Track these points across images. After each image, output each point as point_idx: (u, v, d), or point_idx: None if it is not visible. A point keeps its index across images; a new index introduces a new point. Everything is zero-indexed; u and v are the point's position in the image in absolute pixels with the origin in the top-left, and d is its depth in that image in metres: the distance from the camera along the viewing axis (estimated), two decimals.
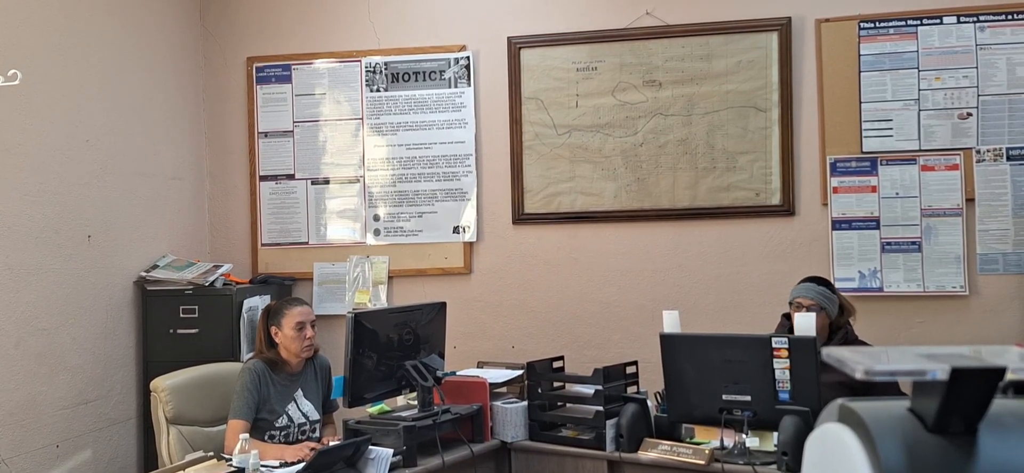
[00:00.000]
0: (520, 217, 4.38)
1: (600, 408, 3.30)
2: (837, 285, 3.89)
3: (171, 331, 4.10)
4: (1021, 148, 3.82)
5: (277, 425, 3.31)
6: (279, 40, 4.62)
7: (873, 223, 3.96)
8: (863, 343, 3.48)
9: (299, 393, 3.40)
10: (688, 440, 3.22)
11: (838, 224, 4.00)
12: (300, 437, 3.34)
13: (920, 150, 3.93)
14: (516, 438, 3.47)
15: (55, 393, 3.65)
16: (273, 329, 3.37)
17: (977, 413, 0.87)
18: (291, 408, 3.36)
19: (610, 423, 3.27)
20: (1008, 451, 0.85)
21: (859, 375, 0.88)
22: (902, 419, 0.90)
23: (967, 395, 0.86)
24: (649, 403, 3.36)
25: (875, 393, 2.93)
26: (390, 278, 4.50)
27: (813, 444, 1.05)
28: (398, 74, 4.49)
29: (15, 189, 3.48)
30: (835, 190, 4.00)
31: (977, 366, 0.85)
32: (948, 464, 0.86)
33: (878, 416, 0.89)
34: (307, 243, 4.60)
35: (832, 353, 0.97)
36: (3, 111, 3.43)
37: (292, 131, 4.61)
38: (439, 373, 3.51)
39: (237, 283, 4.28)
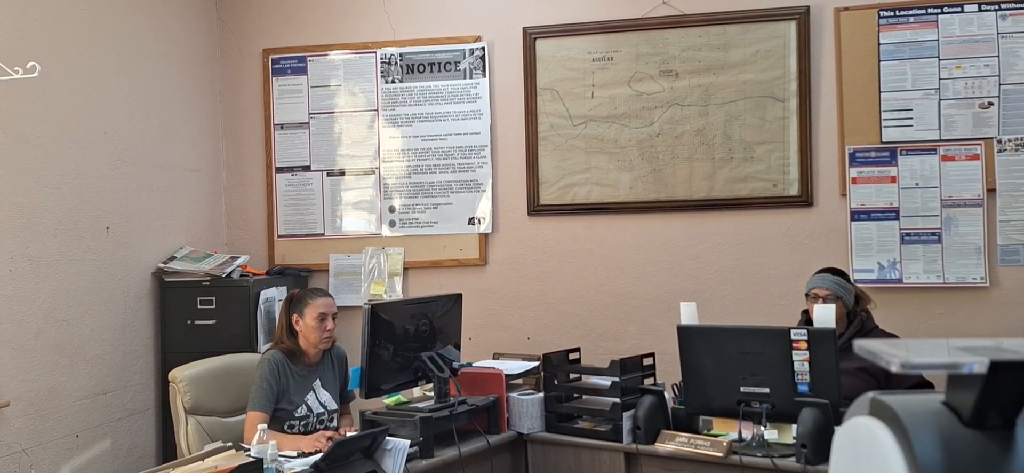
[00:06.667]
0: (535, 208, 4.37)
1: (617, 400, 3.29)
2: (856, 276, 3.87)
3: (189, 322, 4.11)
4: None
5: (297, 415, 3.32)
6: (294, 32, 4.62)
7: (892, 214, 3.93)
8: (882, 331, 3.45)
9: (317, 383, 3.41)
10: (706, 432, 3.20)
11: (857, 215, 3.97)
12: (318, 427, 3.35)
13: (940, 140, 3.89)
14: (532, 430, 3.47)
15: (74, 383, 3.67)
16: (295, 317, 3.38)
17: (1015, 407, 0.86)
18: (310, 398, 3.37)
19: (627, 415, 3.26)
20: None
21: (895, 369, 0.87)
22: (937, 413, 0.88)
23: (1005, 388, 0.84)
24: (666, 395, 3.35)
25: (895, 384, 2.92)
26: (405, 269, 4.51)
27: (842, 438, 1.03)
28: (413, 65, 4.48)
29: (34, 181, 3.50)
30: (854, 180, 3.97)
31: (1016, 359, 0.83)
32: (985, 459, 0.84)
33: (912, 410, 0.88)
34: (323, 235, 4.61)
35: (863, 345, 0.95)
36: (22, 103, 3.44)
37: (308, 123, 4.61)
38: (455, 364, 3.51)
39: (254, 274, 4.29)
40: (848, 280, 3.48)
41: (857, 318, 3.41)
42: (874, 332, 3.42)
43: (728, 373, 3.08)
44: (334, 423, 3.42)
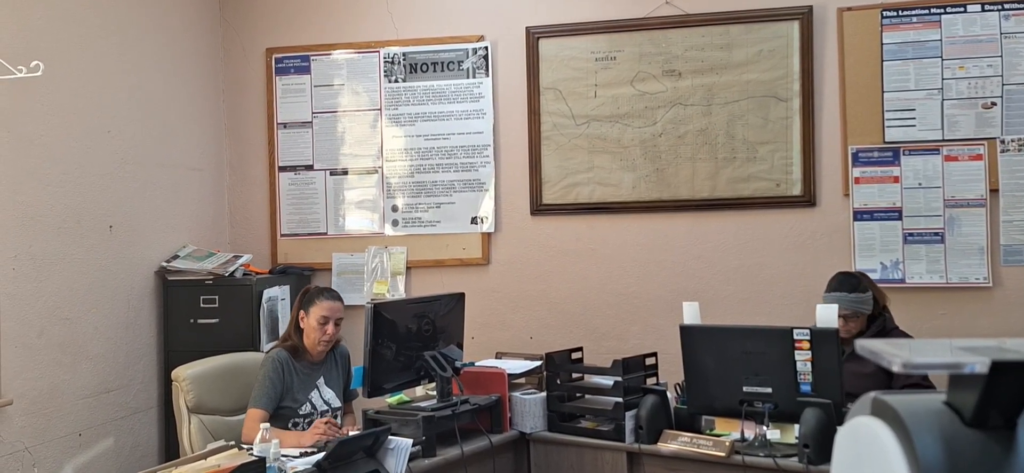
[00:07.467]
0: (538, 208, 4.37)
1: (619, 399, 3.29)
2: None
3: (191, 321, 4.12)
4: None
5: (301, 413, 3.32)
6: (298, 31, 4.63)
7: (895, 214, 3.93)
8: (901, 332, 3.42)
9: (321, 381, 3.41)
10: (708, 432, 3.20)
11: (860, 215, 3.97)
12: None
13: (943, 140, 3.89)
14: (535, 429, 3.47)
15: (77, 382, 3.67)
16: (301, 314, 3.39)
17: (1017, 407, 0.86)
18: (314, 396, 3.38)
19: (629, 415, 3.26)
20: None
21: (896, 368, 0.87)
22: (939, 413, 0.88)
23: (1007, 389, 0.84)
24: (669, 395, 3.35)
25: (899, 384, 2.91)
26: (408, 269, 4.51)
27: (844, 437, 1.04)
28: (416, 65, 4.49)
29: (38, 179, 3.50)
30: (857, 181, 3.97)
31: (1018, 359, 0.83)
32: (986, 458, 0.85)
33: (914, 409, 0.88)
34: (326, 234, 4.61)
35: (865, 345, 0.95)
36: (26, 102, 3.45)
37: (311, 122, 4.62)
38: (458, 364, 3.51)
39: (257, 273, 4.30)
40: (862, 283, 3.41)
41: (878, 319, 3.38)
42: (894, 333, 3.40)
43: (730, 373, 3.08)
44: (338, 421, 3.42)
